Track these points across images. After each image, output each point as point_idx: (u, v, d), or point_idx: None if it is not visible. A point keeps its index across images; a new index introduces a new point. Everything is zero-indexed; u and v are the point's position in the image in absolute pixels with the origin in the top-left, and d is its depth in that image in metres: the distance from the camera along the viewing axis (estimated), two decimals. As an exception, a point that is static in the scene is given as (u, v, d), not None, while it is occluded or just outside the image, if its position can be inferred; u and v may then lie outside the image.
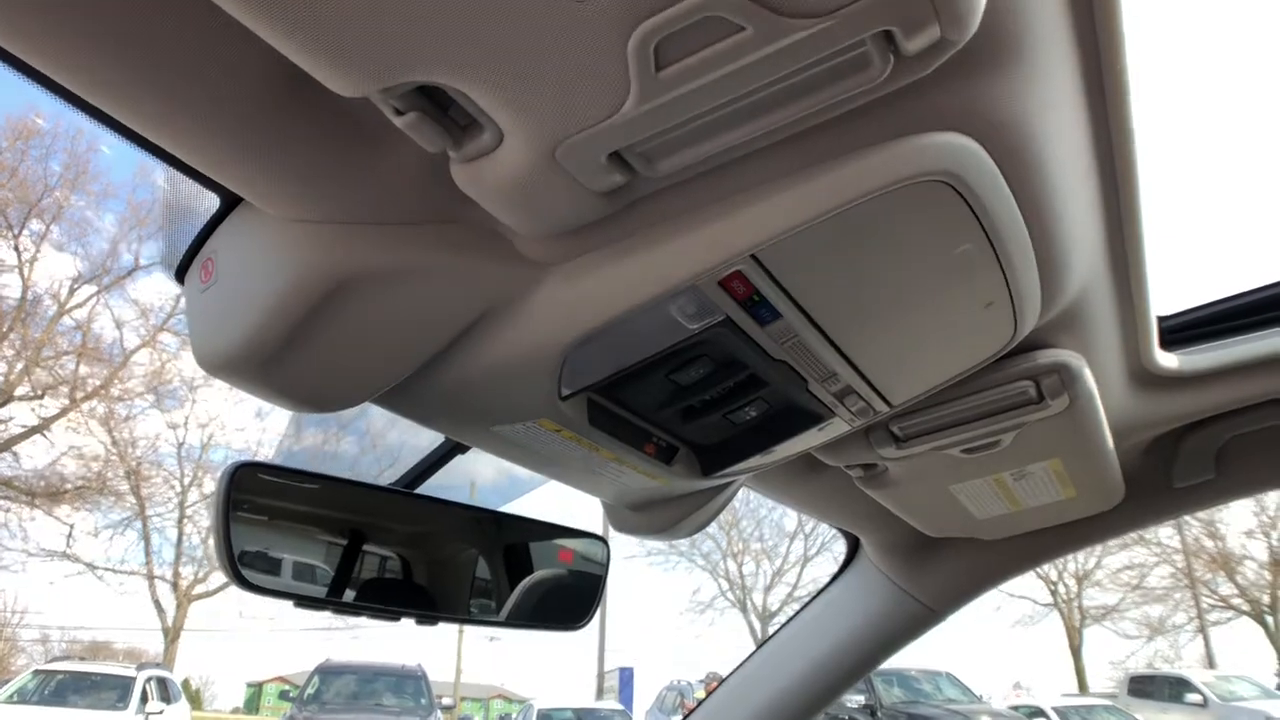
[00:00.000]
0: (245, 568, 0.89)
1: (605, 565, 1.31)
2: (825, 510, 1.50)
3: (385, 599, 1.08)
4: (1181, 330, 1.15)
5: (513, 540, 1.25)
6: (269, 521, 0.98)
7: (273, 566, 0.96)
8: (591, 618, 1.26)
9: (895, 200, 0.64)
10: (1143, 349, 1.05)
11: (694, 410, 0.93)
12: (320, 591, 1.00)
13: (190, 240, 0.74)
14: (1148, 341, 1.04)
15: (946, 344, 0.87)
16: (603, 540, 1.32)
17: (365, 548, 1.06)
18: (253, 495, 0.93)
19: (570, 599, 1.29)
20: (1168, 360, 1.09)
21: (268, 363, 0.68)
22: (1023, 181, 0.67)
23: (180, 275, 0.77)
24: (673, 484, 1.06)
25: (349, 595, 1.03)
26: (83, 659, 18.18)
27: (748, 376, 0.86)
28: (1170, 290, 1.08)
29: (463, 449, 1.08)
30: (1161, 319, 1.12)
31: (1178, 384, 1.13)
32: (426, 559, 1.15)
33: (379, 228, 0.66)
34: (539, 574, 1.25)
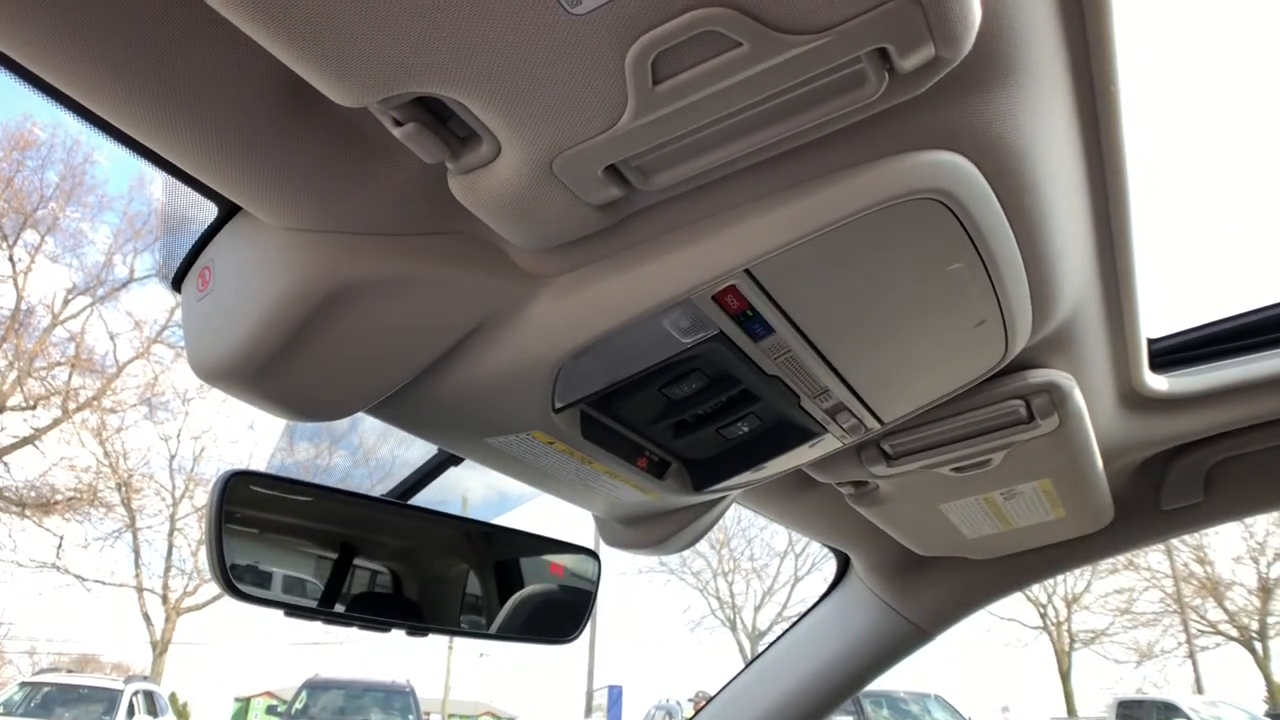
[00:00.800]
0: (237, 576, 0.89)
1: (596, 579, 1.31)
2: (816, 527, 1.51)
3: (376, 610, 1.08)
4: (1171, 353, 1.16)
5: (504, 553, 1.25)
6: (261, 530, 0.98)
7: (264, 576, 0.96)
8: (581, 631, 1.26)
9: (889, 217, 0.65)
10: (1133, 370, 1.05)
11: (687, 425, 0.93)
12: (311, 601, 1.00)
13: (187, 249, 0.74)
14: (1138, 363, 1.04)
15: (938, 362, 0.88)
16: (594, 555, 1.32)
17: (357, 558, 1.06)
18: (245, 504, 0.93)
19: (561, 612, 1.29)
20: (1157, 382, 1.10)
21: (262, 371, 0.69)
22: (1015, 200, 0.68)
23: (177, 284, 0.77)
24: (664, 498, 1.06)
25: (340, 606, 1.02)
26: (70, 671, 17.99)
27: (740, 391, 0.86)
28: (1161, 312, 1.09)
29: (456, 461, 1.08)
30: (1151, 341, 1.13)
31: (1167, 406, 1.14)
32: (418, 570, 1.15)
33: (376, 238, 0.67)
34: (530, 587, 1.25)
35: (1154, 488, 1.37)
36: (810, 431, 0.95)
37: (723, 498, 1.16)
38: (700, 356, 0.79)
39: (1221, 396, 1.12)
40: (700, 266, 0.68)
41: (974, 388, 0.95)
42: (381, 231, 0.67)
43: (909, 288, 0.74)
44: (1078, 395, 0.99)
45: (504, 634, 1.19)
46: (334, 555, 1.04)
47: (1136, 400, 1.11)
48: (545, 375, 0.77)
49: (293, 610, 0.96)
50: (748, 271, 0.68)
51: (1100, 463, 1.15)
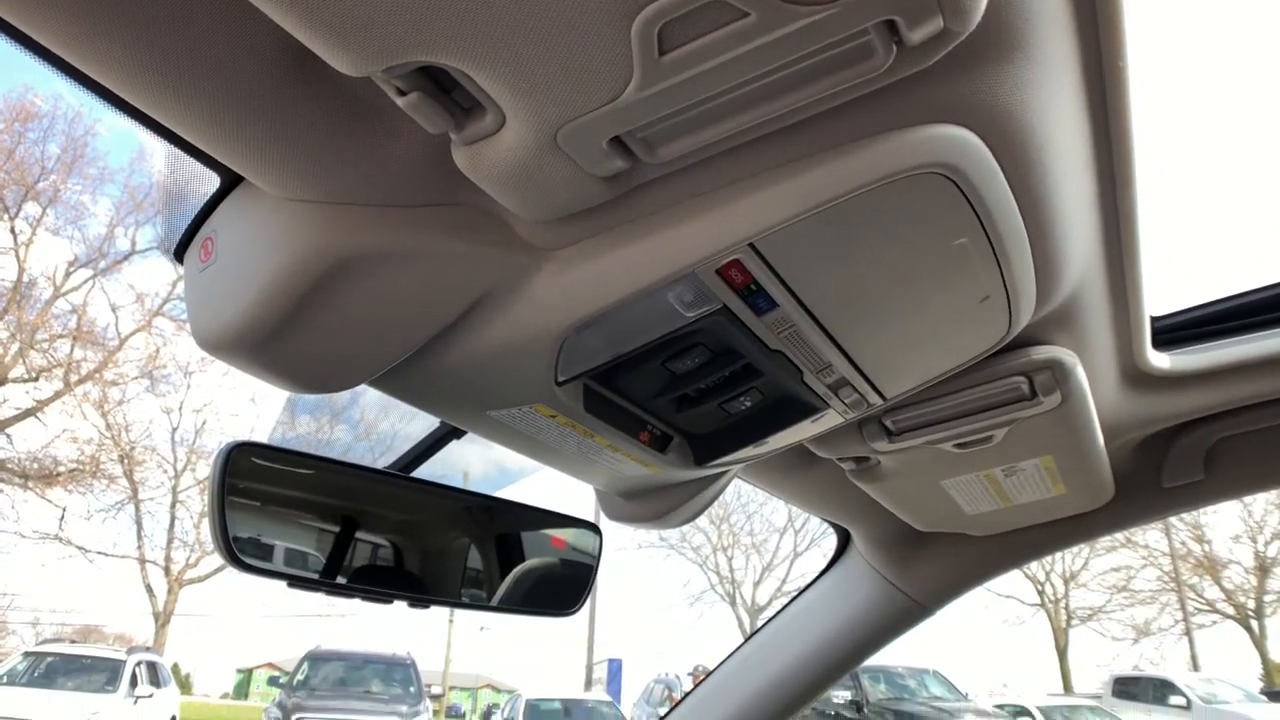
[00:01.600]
0: (239, 548, 0.89)
1: (598, 553, 1.32)
2: (816, 503, 1.51)
3: (378, 581, 1.08)
4: (1174, 330, 1.16)
5: (506, 525, 1.26)
6: (264, 501, 0.98)
7: (267, 547, 0.96)
8: (583, 604, 1.27)
9: (894, 192, 0.65)
10: (1135, 348, 1.05)
11: (689, 399, 0.93)
12: (314, 573, 1.01)
13: (189, 219, 0.74)
14: (1140, 341, 1.04)
15: (942, 338, 0.88)
16: (595, 528, 1.33)
17: (359, 530, 1.06)
18: (248, 475, 0.93)
19: (562, 585, 1.30)
20: (1160, 360, 1.10)
21: (265, 342, 0.68)
22: (1021, 176, 0.68)
23: (179, 255, 0.76)
24: (666, 472, 1.06)
25: (342, 577, 1.03)
26: (73, 641, 18.16)
27: (743, 366, 0.86)
28: (1164, 290, 1.08)
29: (458, 434, 1.08)
30: (1155, 319, 1.13)
31: (1169, 384, 1.14)
32: (420, 542, 1.15)
33: (379, 209, 0.66)
34: (531, 560, 1.26)
35: (1155, 465, 1.37)
36: (813, 407, 0.95)
37: (724, 472, 1.16)
38: (703, 330, 0.79)
39: (1224, 375, 1.12)
40: (704, 240, 0.68)
41: (977, 364, 0.95)
42: (385, 202, 0.66)
43: (914, 263, 0.74)
44: (1080, 372, 0.99)
45: (506, 606, 1.20)
46: (336, 527, 1.04)
47: (1139, 378, 1.11)
48: (548, 348, 0.77)
49: (296, 581, 0.96)
50: (752, 245, 0.68)
51: (1102, 440, 1.15)
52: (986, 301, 0.81)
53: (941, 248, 0.72)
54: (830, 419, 0.99)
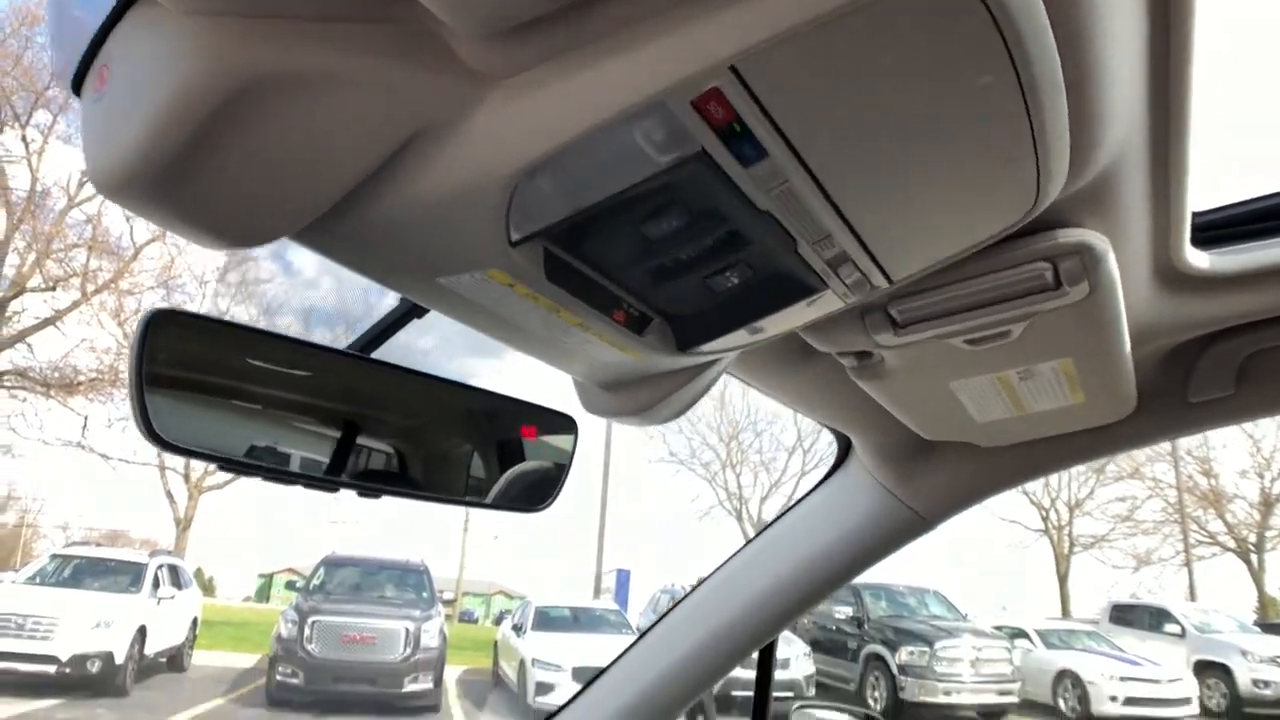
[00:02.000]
0: (160, 422, 0.80)
1: (573, 448, 1.23)
2: (815, 405, 1.43)
3: (325, 467, 1.00)
4: (1216, 228, 1.04)
5: (473, 414, 1.17)
6: (194, 375, 0.88)
7: (197, 424, 0.86)
8: (553, 501, 1.19)
9: (908, 7, 0.53)
10: (1173, 243, 0.94)
11: (667, 270, 0.82)
12: (250, 456, 0.92)
13: (85, 47, 0.64)
14: (1180, 235, 0.93)
15: (959, 207, 0.76)
16: (571, 420, 1.24)
17: (305, 411, 0.97)
18: (175, 345, 0.83)
19: (533, 480, 1.21)
20: (1198, 259, 0.99)
21: (163, 181, 0.59)
22: (1063, 5, 0.56)
23: (77, 87, 0.66)
24: (645, 359, 0.96)
25: (284, 462, 0.94)
26: (99, 545, 18.81)
27: (728, 233, 0.75)
28: (1205, 186, 0.97)
29: (420, 312, 0.98)
30: (1196, 214, 1.01)
31: (1206, 286, 1.03)
32: (375, 428, 1.06)
33: (293, 23, 0.56)
34: (501, 452, 1.17)
35: (1181, 378, 1.28)
36: (808, 286, 0.84)
37: (713, 363, 1.06)
38: (680, 185, 0.68)
39: (1266, 278, 1.02)
40: (676, 60, 0.56)
41: (996, 245, 0.84)
42: (300, 15, 0.56)
43: (929, 106, 0.62)
44: (1112, 260, 0.88)
45: (469, 499, 1.12)
46: (280, 408, 0.95)
47: (1174, 277, 1.01)
48: (497, 197, 0.67)
49: (228, 464, 0.88)
50: (734, 69, 0.56)
51: (1128, 344, 1.05)
52: (1012, 165, 0.69)
53: (963, 88, 0.60)
54: (829, 302, 0.88)
